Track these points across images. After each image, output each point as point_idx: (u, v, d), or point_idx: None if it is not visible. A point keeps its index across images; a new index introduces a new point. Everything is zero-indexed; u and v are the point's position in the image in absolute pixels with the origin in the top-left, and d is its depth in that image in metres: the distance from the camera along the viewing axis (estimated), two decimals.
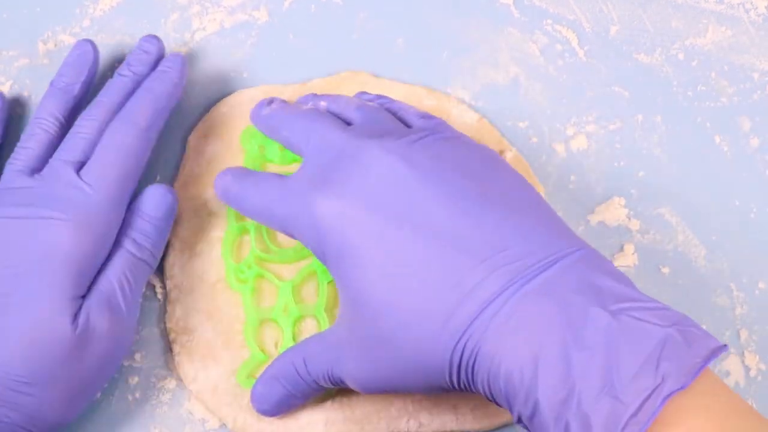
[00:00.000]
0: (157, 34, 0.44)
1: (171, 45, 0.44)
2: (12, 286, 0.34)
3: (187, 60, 0.41)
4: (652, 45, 0.45)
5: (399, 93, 0.42)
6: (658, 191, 0.42)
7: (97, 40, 0.44)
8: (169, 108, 0.39)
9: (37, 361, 0.33)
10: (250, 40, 0.44)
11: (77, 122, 0.38)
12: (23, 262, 0.35)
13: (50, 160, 0.37)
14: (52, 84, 0.40)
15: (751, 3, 0.46)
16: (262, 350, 0.38)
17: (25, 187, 0.36)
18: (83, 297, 0.35)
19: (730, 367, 0.39)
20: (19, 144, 0.38)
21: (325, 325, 0.38)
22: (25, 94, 0.43)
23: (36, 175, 0.37)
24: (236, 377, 0.37)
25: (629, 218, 0.41)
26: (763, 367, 0.39)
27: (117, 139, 0.37)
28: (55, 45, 0.44)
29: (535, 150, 0.43)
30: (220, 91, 0.43)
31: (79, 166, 0.37)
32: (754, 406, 0.38)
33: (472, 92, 0.44)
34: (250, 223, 0.39)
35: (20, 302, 0.34)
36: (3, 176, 0.38)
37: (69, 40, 0.44)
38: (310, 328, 0.38)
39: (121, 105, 0.39)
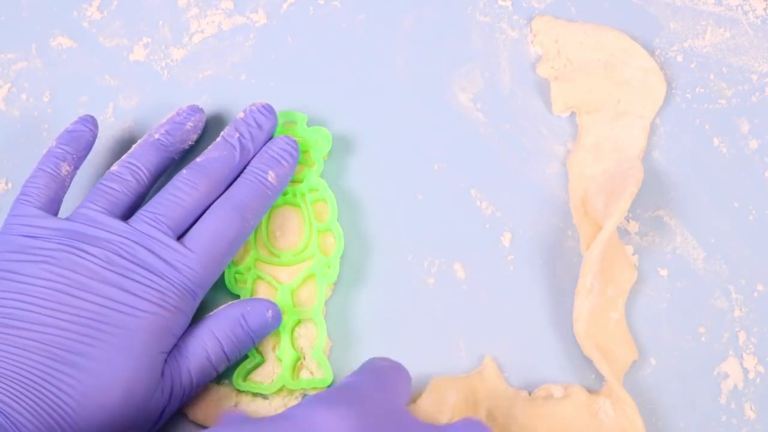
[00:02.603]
0: (155, 37, 0.44)
1: (169, 47, 0.44)
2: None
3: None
4: (650, 47, 0.45)
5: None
6: (656, 193, 0.42)
7: (95, 43, 0.44)
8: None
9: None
10: (248, 42, 0.44)
11: (176, 182, 0.37)
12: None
13: (141, 212, 0.36)
14: (158, 141, 0.38)
15: (750, 5, 0.46)
16: (260, 353, 0.38)
17: (123, 237, 0.35)
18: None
19: (728, 369, 0.39)
20: (102, 182, 0.37)
21: (323, 329, 0.38)
22: (23, 97, 0.43)
23: (130, 224, 0.35)
24: (233, 380, 0.37)
25: (628, 220, 0.41)
26: (761, 369, 0.39)
27: (221, 224, 0.36)
28: (54, 48, 0.44)
29: (535, 151, 0.42)
30: (218, 93, 0.43)
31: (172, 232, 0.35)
32: (753, 408, 0.38)
33: (472, 94, 0.44)
34: None
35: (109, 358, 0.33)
36: (85, 205, 0.36)
37: (67, 43, 0.44)
38: (307, 332, 0.38)
39: (226, 179, 0.37)
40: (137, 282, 0.34)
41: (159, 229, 0.35)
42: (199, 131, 0.40)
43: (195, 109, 0.40)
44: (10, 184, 0.41)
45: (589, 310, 0.38)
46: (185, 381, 0.35)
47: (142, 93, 0.43)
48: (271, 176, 0.37)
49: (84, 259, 0.34)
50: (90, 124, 0.38)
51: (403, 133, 0.43)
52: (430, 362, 0.38)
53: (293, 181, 0.40)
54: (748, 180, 0.42)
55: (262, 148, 0.39)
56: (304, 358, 0.38)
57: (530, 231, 0.41)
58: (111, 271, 0.34)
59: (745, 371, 0.39)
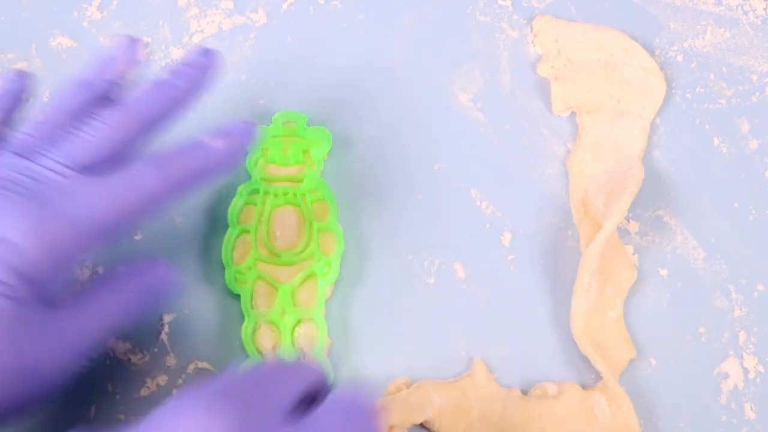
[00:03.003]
0: (155, 37, 0.44)
1: (169, 47, 0.44)
2: None
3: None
4: (650, 47, 0.45)
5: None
6: (656, 193, 0.42)
7: (95, 43, 0.44)
8: None
9: None
10: (248, 42, 0.44)
11: (91, 119, 0.33)
12: None
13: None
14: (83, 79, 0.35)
15: (750, 5, 0.46)
16: (260, 353, 0.38)
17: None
18: None
19: (728, 369, 0.39)
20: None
21: (324, 328, 0.38)
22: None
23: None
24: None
25: (628, 220, 0.41)
26: (761, 369, 0.39)
27: (145, 176, 0.32)
28: (53, 48, 0.44)
29: (536, 151, 0.43)
30: (217, 93, 0.43)
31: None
32: (753, 408, 0.38)
33: (472, 94, 0.44)
34: (251, 225, 0.39)
35: None
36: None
37: (67, 43, 0.44)
38: (308, 332, 0.38)
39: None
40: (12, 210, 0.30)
41: (58, 161, 0.32)
42: (132, 62, 0.35)
43: (132, 40, 0.35)
44: None
45: (586, 309, 0.38)
46: (76, 341, 0.31)
47: None
48: (218, 143, 0.34)
49: None
50: (21, 77, 0.36)
51: (403, 133, 0.43)
52: (430, 362, 0.38)
53: (293, 181, 0.40)
54: (748, 180, 0.42)
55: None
56: (305, 357, 0.38)
57: (530, 231, 0.41)
58: None
59: (746, 371, 0.39)
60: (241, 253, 0.39)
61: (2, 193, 0.30)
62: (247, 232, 0.39)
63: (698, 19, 0.46)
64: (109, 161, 0.32)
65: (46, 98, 0.43)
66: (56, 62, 0.43)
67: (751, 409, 0.38)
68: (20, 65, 0.43)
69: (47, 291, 0.31)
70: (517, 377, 0.38)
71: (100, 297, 0.33)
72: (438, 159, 0.42)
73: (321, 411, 0.29)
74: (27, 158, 0.32)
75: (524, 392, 0.38)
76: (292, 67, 0.44)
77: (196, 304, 0.39)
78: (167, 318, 0.38)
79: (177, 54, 0.44)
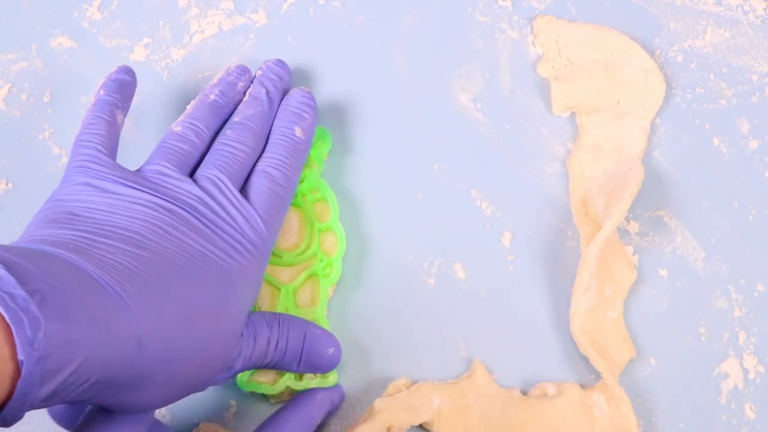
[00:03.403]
0: (155, 37, 0.44)
1: (169, 47, 0.44)
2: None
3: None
4: (650, 47, 0.45)
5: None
6: (656, 193, 0.42)
7: (95, 43, 0.44)
8: None
9: None
10: (248, 42, 0.44)
11: (226, 141, 0.37)
12: None
13: (206, 172, 0.35)
14: (214, 102, 0.39)
15: (750, 5, 0.46)
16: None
17: (199, 197, 0.34)
18: None
19: (728, 369, 0.39)
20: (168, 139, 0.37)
21: (327, 329, 0.38)
22: (23, 97, 0.43)
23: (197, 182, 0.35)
24: (237, 379, 0.37)
25: (628, 220, 0.41)
26: (761, 369, 0.39)
27: (272, 184, 0.36)
28: (54, 48, 0.44)
29: (536, 151, 0.43)
30: None
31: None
32: (753, 408, 0.38)
33: (472, 94, 0.44)
34: None
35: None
36: (155, 162, 0.35)
37: (67, 43, 0.44)
38: None
39: (264, 133, 0.38)
40: (225, 234, 0.34)
41: (227, 186, 0.35)
42: (247, 88, 0.40)
43: (244, 69, 0.41)
44: (10, 184, 0.41)
45: (585, 309, 0.38)
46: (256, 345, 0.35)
47: (142, 93, 0.43)
48: (298, 131, 0.38)
49: (175, 208, 0.33)
50: (131, 74, 0.39)
51: (403, 133, 0.43)
52: (431, 362, 0.38)
53: None
54: (748, 180, 0.42)
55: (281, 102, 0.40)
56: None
57: (530, 231, 0.41)
58: (201, 223, 0.33)
59: (745, 371, 0.39)
60: None
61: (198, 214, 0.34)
62: None
63: (698, 19, 0.46)
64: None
65: (47, 99, 0.43)
66: (56, 62, 0.43)
67: (751, 409, 0.38)
68: (20, 65, 0.43)
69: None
70: (517, 377, 0.38)
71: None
72: (438, 159, 0.42)
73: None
74: (188, 175, 0.36)
75: (524, 392, 0.38)
76: (292, 67, 0.44)
77: None
78: None
79: (177, 54, 0.44)
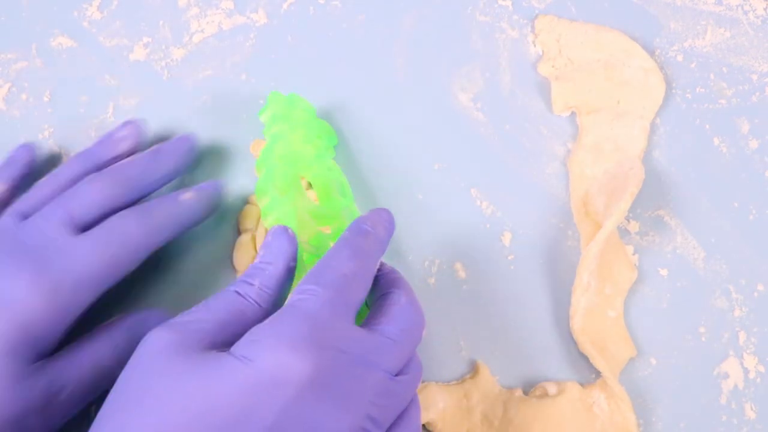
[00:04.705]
0: (155, 37, 0.44)
1: (169, 47, 0.44)
2: None
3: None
4: (650, 47, 0.45)
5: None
6: (657, 193, 0.42)
7: (95, 43, 0.44)
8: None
9: None
10: (248, 42, 0.44)
11: (84, 179, 0.37)
12: None
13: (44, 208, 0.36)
14: (85, 151, 0.39)
15: (750, 5, 0.46)
16: None
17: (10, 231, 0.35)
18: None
19: (728, 369, 0.39)
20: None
21: None
22: (23, 96, 0.43)
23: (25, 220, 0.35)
24: None
25: (628, 220, 0.41)
26: (762, 369, 0.39)
27: (123, 224, 0.35)
28: (54, 48, 0.44)
29: (536, 151, 0.43)
30: (218, 93, 0.43)
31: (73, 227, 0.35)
32: (753, 408, 0.38)
33: (472, 94, 0.44)
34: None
35: None
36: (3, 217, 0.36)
37: (67, 43, 0.44)
38: None
39: (137, 183, 0.37)
40: (14, 268, 0.33)
41: (49, 220, 0.35)
42: (134, 141, 0.39)
43: (130, 122, 0.40)
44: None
45: (585, 308, 0.38)
46: (71, 390, 0.33)
47: (142, 93, 0.43)
48: (187, 195, 0.38)
49: None
50: (26, 151, 0.40)
51: (403, 133, 0.43)
52: (431, 362, 0.38)
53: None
54: (748, 180, 0.42)
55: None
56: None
57: (530, 231, 0.41)
58: None
59: (746, 371, 0.39)
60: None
61: (5, 253, 0.33)
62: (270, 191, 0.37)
63: (698, 19, 0.46)
64: (99, 218, 0.35)
65: (47, 98, 0.43)
66: (56, 62, 0.43)
67: (751, 409, 0.38)
68: (20, 65, 0.43)
69: (46, 345, 0.33)
70: (518, 377, 0.38)
71: (94, 347, 0.34)
72: (438, 159, 0.42)
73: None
74: (25, 219, 0.35)
75: (524, 391, 0.38)
76: (292, 67, 0.44)
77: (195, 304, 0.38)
78: None
79: (177, 54, 0.44)
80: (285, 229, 0.33)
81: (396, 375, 0.30)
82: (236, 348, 0.28)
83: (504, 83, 0.44)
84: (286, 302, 0.30)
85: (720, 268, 0.41)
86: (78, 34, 0.44)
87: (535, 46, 0.45)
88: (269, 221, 0.35)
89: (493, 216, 0.41)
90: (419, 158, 0.42)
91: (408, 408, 0.31)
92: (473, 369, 0.38)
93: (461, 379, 0.38)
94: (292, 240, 0.32)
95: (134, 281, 0.39)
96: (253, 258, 0.39)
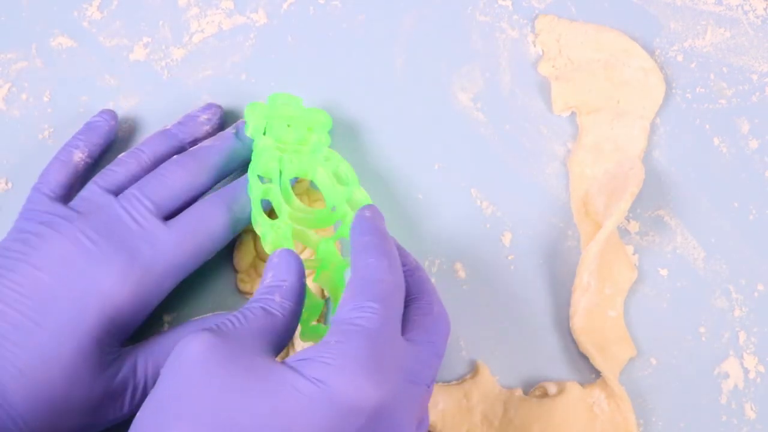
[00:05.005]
0: (155, 37, 0.44)
1: (169, 47, 0.44)
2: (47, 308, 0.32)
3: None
4: (650, 47, 0.45)
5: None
6: (656, 193, 0.42)
7: (95, 43, 0.44)
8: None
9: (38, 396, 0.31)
10: (248, 42, 0.44)
11: (165, 164, 0.37)
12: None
13: (128, 190, 0.36)
14: (167, 130, 0.39)
15: (750, 5, 0.46)
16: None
17: (102, 210, 0.35)
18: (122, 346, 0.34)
19: (728, 369, 0.39)
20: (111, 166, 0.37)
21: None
22: (23, 96, 0.43)
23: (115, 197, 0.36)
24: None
25: (628, 220, 0.41)
26: (762, 369, 0.39)
27: (206, 210, 0.36)
28: (54, 48, 0.44)
29: (536, 151, 0.43)
30: (218, 93, 0.43)
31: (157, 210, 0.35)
32: (753, 408, 0.38)
33: (472, 94, 0.44)
34: (272, 186, 0.37)
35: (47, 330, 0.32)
36: (87, 187, 0.36)
37: (67, 43, 0.44)
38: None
39: (218, 165, 0.37)
40: (108, 254, 0.33)
41: (141, 204, 0.35)
42: (214, 123, 0.40)
43: (211, 105, 0.41)
44: (10, 184, 0.41)
45: (585, 308, 0.38)
46: (147, 376, 0.34)
47: (142, 93, 0.43)
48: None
49: (59, 235, 0.34)
50: (106, 115, 0.40)
51: (403, 133, 0.43)
52: None
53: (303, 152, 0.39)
54: (748, 180, 0.42)
55: None
56: None
57: (530, 231, 0.41)
58: (83, 244, 0.34)
59: (746, 371, 0.39)
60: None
61: (96, 242, 0.34)
62: (270, 193, 0.37)
63: (698, 19, 0.46)
64: (184, 204, 0.36)
65: (47, 98, 0.43)
66: (56, 62, 0.43)
67: (751, 409, 0.38)
68: (20, 65, 0.43)
69: (126, 333, 0.34)
70: (518, 376, 0.38)
71: (170, 342, 0.34)
72: (438, 159, 0.42)
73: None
74: (113, 194, 0.36)
75: (525, 391, 0.38)
76: (292, 67, 0.44)
77: (196, 304, 0.39)
78: (167, 318, 0.38)
79: (177, 54, 0.44)
80: (289, 250, 0.32)
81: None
82: (303, 364, 0.27)
83: (504, 83, 0.44)
84: (337, 320, 0.29)
85: (720, 268, 0.41)
86: (78, 34, 0.44)
87: (535, 46, 0.45)
88: (267, 247, 0.35)
89: (493, 216, 0.41)
90: (419, 158, 0.42)
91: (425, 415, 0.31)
92: (473, 369, 0.38)
93: (461, 380, 0.38)
94: (298, 258, 0.32)
95: None
96: (254, 258, 0.39)
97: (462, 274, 0.40)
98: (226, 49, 0.44)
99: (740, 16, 0.46)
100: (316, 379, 0.26)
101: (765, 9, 0.46)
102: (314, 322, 0.35)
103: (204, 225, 0.35)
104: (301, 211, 0.37)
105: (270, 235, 0.35)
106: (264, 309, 0.30)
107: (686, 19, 0.46)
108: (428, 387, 0.30)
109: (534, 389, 0.38)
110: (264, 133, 0.39)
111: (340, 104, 0.43)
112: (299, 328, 0.34)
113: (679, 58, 0.45)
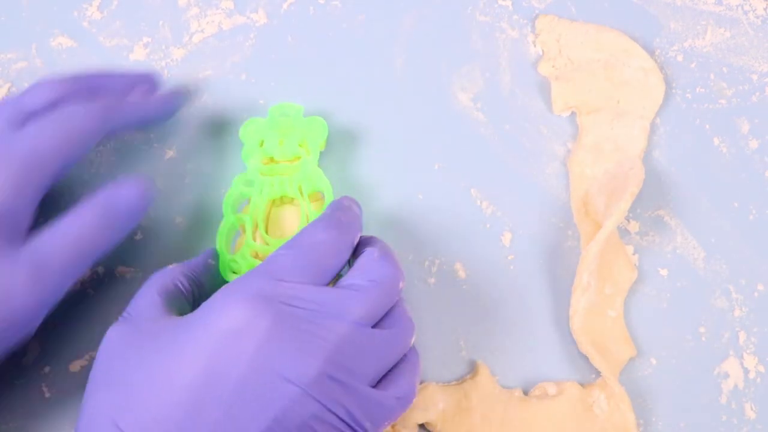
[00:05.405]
0: (155, 37, 0.44)
1: (169, 47, 0.44)
2: None
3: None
4: (650, 47, 0.45)
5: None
6: (656, 193, 0.42)
7: (95, 43, 0.44)
8: None
9: None
10: (248, 42, 0.44)
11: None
12: None
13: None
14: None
15: (750, 5, 0.46)
16: None
17: None
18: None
19: (728, 369, 0.39)
20: None
21: None
22: None
23: None
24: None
25: (628, 220, 0.41)
26: (762, 369, 0.39)
27: (75, 114, 0.36)
28: (54, 48, 0.44)
29: (536, 151, 0.43)
30: (218, 93, 0.43)
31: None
32: (753, 408, 0.38)
33: (472, 94, 0.44)
34: (246, 215, 0.39)
35: None
36: None
37: (67, 43, 0.44)
38: None
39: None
40: None
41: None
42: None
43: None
44: None
45: (585, 308, 0.38)
46: (57, 262, 0.33)
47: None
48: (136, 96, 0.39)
49: None
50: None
51: (403, 133, 0.43)
52: (431, 362, 0.38)
53: (288, 173, 0.39)
54: (748, 180, 0.42)
55: None
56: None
57: (530, 231, 0.41)
58: None
59: (746, 371, 0.39)
60: (236, 244, 0.39)
61: None
62: (243, 222, 0.39)
63: (698, 19, 0.46)
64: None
65: None
66: (56, 62, 0.43)
67: (751, 409, 0.38)
68: (20, 65, 0.43)
69: (19, 222, 0.33)
70: (518, 376, 0.38)
71: (75, 219, 0.34)
72: (438, 159, 0.42)
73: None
74: None
75: (524, 391, 0.38)
76: (292, 67, 0.44)
77: None
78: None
79: (177, 53, 0.44)
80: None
81: (372, 327, 0.31)
82: (196, 311, 0.30)
83: (504, 83, 0.44)
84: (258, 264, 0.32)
85: (720, 268, 0.41)
86: (78, 34, 0.44)
87: (535, 46, 0.45)
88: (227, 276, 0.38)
89: (493, 216, 0.41)
90: (419, 158, 0.42)
91: (401, 363, 0.32)
92: (473, 369, 0.38)
93: (461, 380, 0.38)
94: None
95: (135, 280, 0.39)
96: (240, 244, 0.39)
97: (462, 274, 0.40)
98: (226, 49, 0.44)
99: (740, 16, 0.46)
100: (200, 317, 0.30)
101: (765, 9, 0.46)
102: None
103: (64, 120, 0.35)
104: (263, 243, 0.38)
105: (226, 270, 0.37)
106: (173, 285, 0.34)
107: (686, 19, 0.46)
108: (361, 326, 0.30)
109: (534, 389, 0.38)
110: (260, 146, 0.40)
111: (339, 104, 0.43)
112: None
113: (679, 58, 0.45)
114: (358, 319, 0.30)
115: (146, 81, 0.40)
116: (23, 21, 0.44)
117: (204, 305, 0.30)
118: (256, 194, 0.39)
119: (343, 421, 0.29)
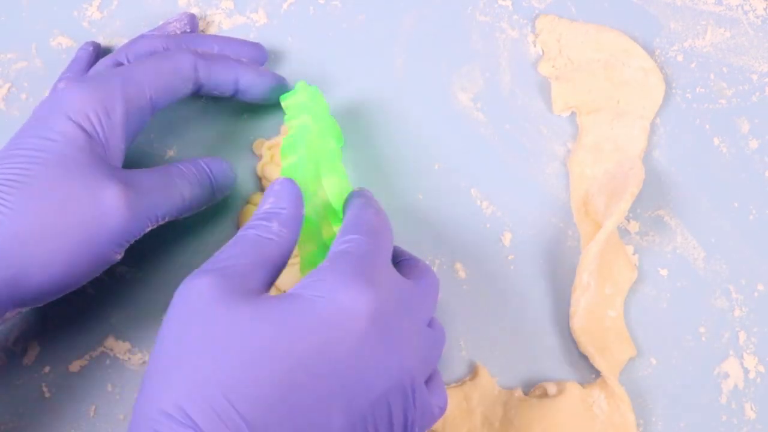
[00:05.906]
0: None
1: None
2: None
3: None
4: (650, 47, 0.45)
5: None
6: (656, 193, 0.42)
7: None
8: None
9: None
10: None
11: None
12: None
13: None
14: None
15: (750, 5, 0.46)
16: None
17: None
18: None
19: (728, 369, 0.39)
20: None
21: None
22: (23, 96, 0.43)
23: None
24: None
25: (628, 220, 0.41)
26: (762, 369, 0.39)
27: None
28: (54, 48, 0.44)
29: (536, 151, 0.43)
30: None
31: None
32: (753, 408, 0.38)
33: (472, 94, 0.44)
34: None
35: None
36: None
37: (67, 43, 0.44)
38: None
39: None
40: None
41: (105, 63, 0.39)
42: (186, 30, 0.43)
43: (185, 14, 0.44)
44: None
45: (585, 308, 0.38)
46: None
47: None
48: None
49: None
50: (89, 46, 0.43)
51: (404, 132, 0.43)
52: None
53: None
54: (748, 180, 0.42)
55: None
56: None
57: (530, 231, 0.41)
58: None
59: (746, 371, 0.39)
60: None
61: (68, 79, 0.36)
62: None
63: (698, 19, 0.46)
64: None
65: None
66: (56, 62, 0.43)
67: (751, 409, 0.38)
68: (20, 65, 0.43)
69: (110, 141, 0.35)
70: (518, 377, 0.38)
71: (174, 165, 0.36)
72: (438, 159, 0.42)
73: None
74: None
75: (525, 391, 0.38)
76: (291, 67, 0.44)
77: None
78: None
79: None
80: (291, 180, 0.33)
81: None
82: (301, 288, 0.29)
83: (504, 83, 0.44)
84: (329, 253, 0.31)
85: (720, 268, 0.41)
86: (78, 34, 0.44)
87: (535, 46, 0.45)
88: (283, 169, 0.36)
89: (493, 216, 0.41)
90: (419, 158, 0.42)
91: (434, 374, 0.32)
92: (472, 371, 0.38)
93: (460, 382, 0.38)
94: (299, 190, 0.33)
95: (135, 280, 0.39)
96: None
97: (462, 274, 0.40)
98: None
99: (740, 16, 0.46)
100: (313, 295, 0.28)
101: (765, 9, 0.46)
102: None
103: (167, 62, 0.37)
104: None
105: (299, 169, 0.35)
106: (260, 237, 0.31)
107: (686, 19, 0.46)
108: (425, 325, 0.31)
109: (534, 389, 0.38)
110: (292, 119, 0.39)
111: (340, 104, 0.43)
112: (299, 262, 0.36)
113: (679, 58, 0.45)
114: (425, 320, 0.31)
115: (254, 51, 0.42)
116: (23, 21, 0.44)
117: (310, 285, 0.29)
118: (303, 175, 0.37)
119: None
